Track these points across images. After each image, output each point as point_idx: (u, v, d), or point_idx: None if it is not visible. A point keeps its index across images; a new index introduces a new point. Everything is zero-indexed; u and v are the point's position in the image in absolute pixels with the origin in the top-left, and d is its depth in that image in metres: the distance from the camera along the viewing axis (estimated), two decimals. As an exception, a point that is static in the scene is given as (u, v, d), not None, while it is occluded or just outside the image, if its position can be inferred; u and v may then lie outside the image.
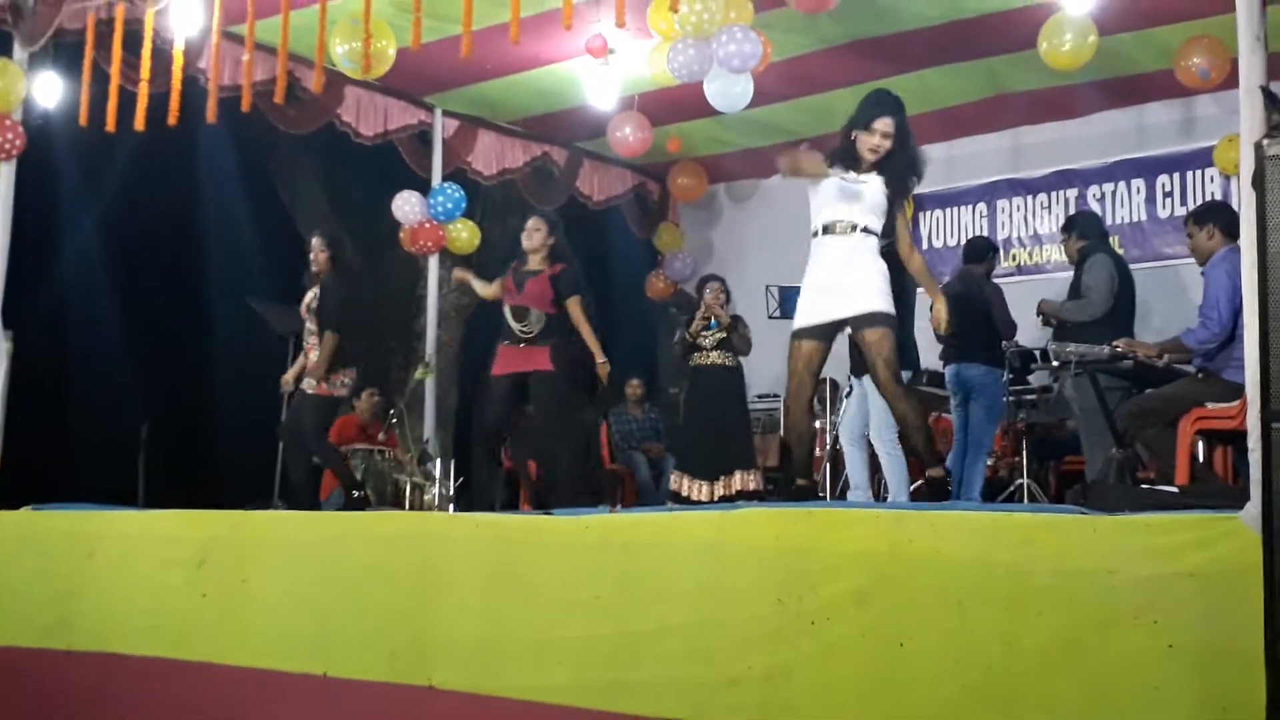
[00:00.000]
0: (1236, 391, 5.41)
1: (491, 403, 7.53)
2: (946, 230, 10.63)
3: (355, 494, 7.78)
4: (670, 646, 4.60)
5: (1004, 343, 8.04)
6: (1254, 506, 3.67)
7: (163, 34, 7.48)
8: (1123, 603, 3.77)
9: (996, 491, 8.10)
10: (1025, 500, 7.65)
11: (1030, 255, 10.20)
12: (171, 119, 7.20)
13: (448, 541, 5.48)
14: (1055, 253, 9.71)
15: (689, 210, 11.99)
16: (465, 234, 9.81)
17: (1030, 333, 8.19)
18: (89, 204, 11.34)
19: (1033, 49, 7.77)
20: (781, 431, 9.16)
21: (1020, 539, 4.01)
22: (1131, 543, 3.83)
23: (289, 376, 7.94)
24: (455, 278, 8.34)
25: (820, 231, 5.85)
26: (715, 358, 8.49)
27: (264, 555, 6.08)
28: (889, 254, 5.96)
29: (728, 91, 7.68)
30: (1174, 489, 5.30)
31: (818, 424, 8.74)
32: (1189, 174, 9.40)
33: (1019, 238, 10.27)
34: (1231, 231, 6.18)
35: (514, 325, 7.39)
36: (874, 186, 5.81)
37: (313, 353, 7.71)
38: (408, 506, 8.84)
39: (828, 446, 8.42)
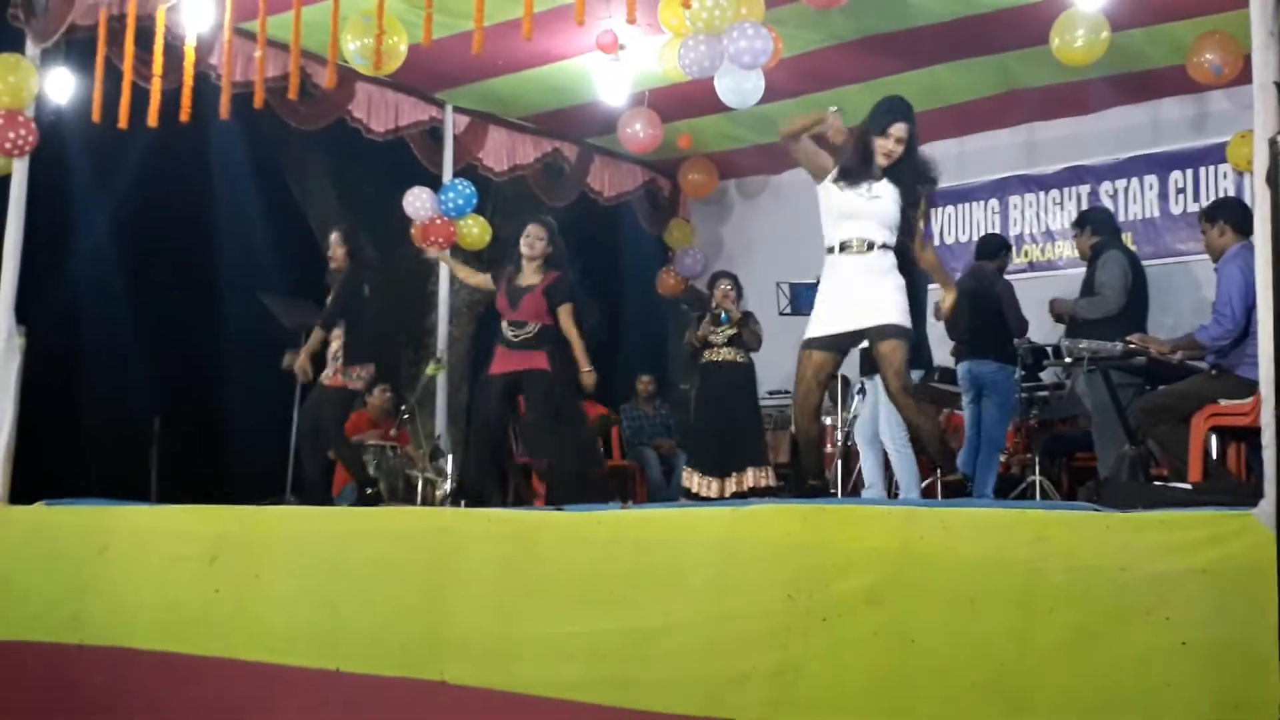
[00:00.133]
0: (1250, 388, 5.38)
1: (487, 401, 7.55)
2: (958, 226, 10.61)
3: (368, 491, 7.79)
4: (681, 642, 4.60)
5: (1016, 339, 8.02)
6: (1268, 504, 3.67)
7: (174, 30, 7.49)
8: (1135, 600, 3.76)
9: (1008, 488, 8.08)
10: (1037, 497, 7.63)
11: (1042, 251, 10.18)
12: (184, 115, 7.21)
13: (460, 537, 5.49)
14: (1067, 249, 9.69)
15: (700, 206, 11.99)
16: (476, 230, 9.81)
17: (1042, 329, 8.18)
18: (101, 200, 11.37)
19: (1045, 45, 7.74)
20: (792, 426, 9.16)
21: (1032, 536, 4.01)
22: (1144, 540, 3.83)
23: (302, 362, 7.86)
24: (429, 255, 8.36)
25: (836, 249, 5.81)
26: (726, 354, 8.48)
27: (276, 551, 6.09)
28: (898, 250, 5.94)
29: (739, 87, 7.66)
30: (1187, 486, 5.28)
31: (828, 420, 8.74)
32: (1202, 170, 9.37)
33: (1031, 234, 10.25)
34: (1243, 227, 6.16)
35: (509, 333, 7.41)
36: (887, 198, 5.78)
37: (334, 342, 7.70)
38: (420, 502, 8.85)
39: (839, 444, 8.40)
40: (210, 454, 10.93)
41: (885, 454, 7.67)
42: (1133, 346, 6.32)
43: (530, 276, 7.48)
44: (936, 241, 10.58)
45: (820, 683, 4.24)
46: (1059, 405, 8.58)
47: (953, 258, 10.33)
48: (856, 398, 8.00)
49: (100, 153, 10.02)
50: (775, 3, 7.44)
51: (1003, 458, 8.31)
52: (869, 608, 4.21)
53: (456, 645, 5.26)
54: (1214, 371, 5.98)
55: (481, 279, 8.16)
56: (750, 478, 8.28)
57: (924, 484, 7.47)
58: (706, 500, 8.00)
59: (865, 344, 5.94)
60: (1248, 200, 7.18)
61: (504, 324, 7.49)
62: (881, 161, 5.79)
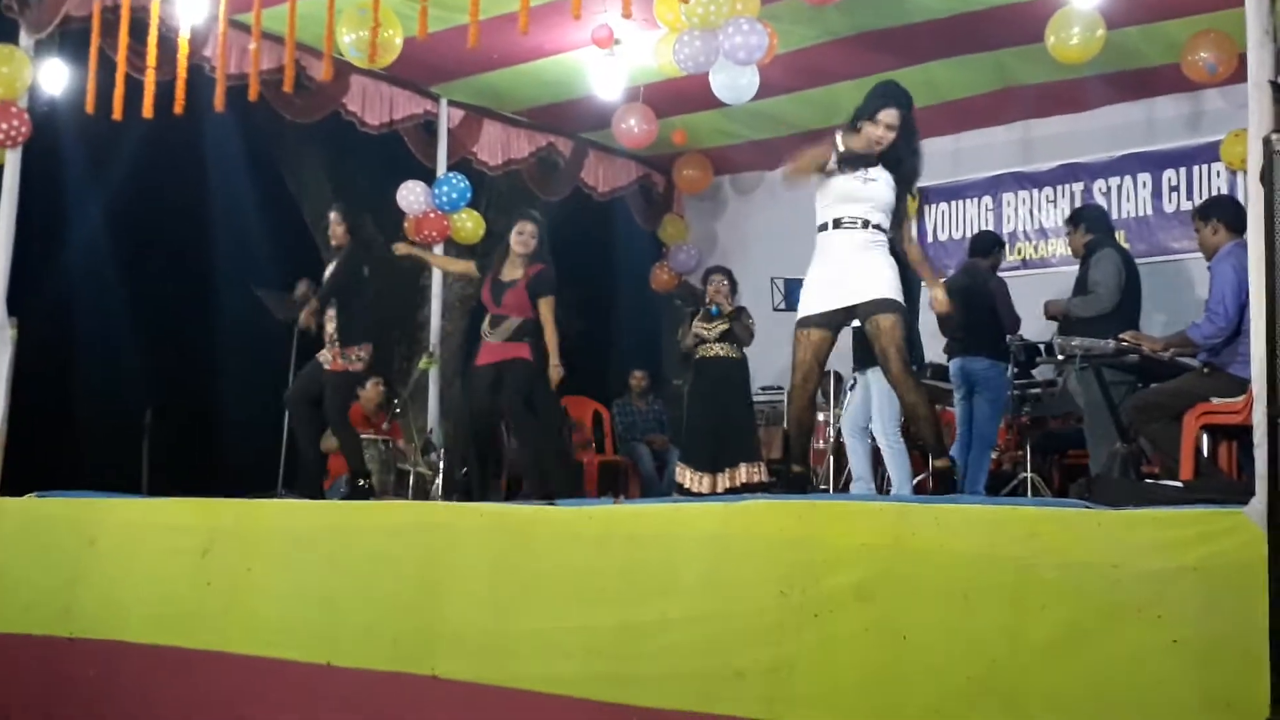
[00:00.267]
0: (1241, 386, 5.40)
1: (475, 393, 7.59)
2: (952, 223, 10.61)
3: (361, 482, 7.78)
4: (674, 638, 4.61)
5: (1008, 337, 8.03)
6: (1259, 502, 3.68)
7: (168, 22, 7.47)
8: (1127, 597, 3.78)
9: (1000, 485, 8.09)
10: (1029, 494, 7.64)
11: (1036, 249, 10.18)
12: (178, 107, 7.19)
13: (452, 531, 5.49)
14: (1060, 247, 9.69)
15: (694, 202, 11.97)
16: (470, 224, 9.80)
17: (1035, 326, 8.18)
18: (94, 192, 11.35)
19: (1040, 42, 7.74)
20: (785, 421, 9.17)
21: (1024, 533, 4.02)
22: (1136, 537, 3.84)
23: (306, 318, 7.81)
24: (399, 252, 8.36)
25: (829, 226, 5.81)
26: (719, 349, 8.48)
27: (268, 544, 6.09)
28: (893, 250, 5.95)
29: (734, 83, 7.66)
30: (1178, 484, 5.29)
31: (821, 417, 8.75)
32: (1195, 168, 9.37)
33: (1024, 231, 10.25)
34: (1236, 226, 6.17)
35: (491, 328, 7.49)
36: (882, 183, 5.79)
37: (330, 325, 7.69)
38: (412, 496, 8.84)
39: (830, 440, 8.40)
40: (203, 446, 10.91)
41: (875, 447, 7.69)
42: (1125, 344, 6.33)
43: (514, 271, 7.54)
44: (930, 238, 10.60)
45: (814, 679, 4.25)
46: (1051, 402, 8.59)
47: (946, 254, 10.34)
48: (849, 393, 8.00)
49: (94, 144, 9.99)
50: (770, -2, 7.44)
51: (994, 455, 8.31)
52: (861, 604, 4.22)
53: (449, 640, 5.26)
54: (1206, 369, 5.99)
55: (462, 265, 8.17)
56: (743, 473, 8.27)
57: (916, 479, 7.47)
58: (699, 496, 8.00)
59: (857, 323, 5.91)
60: (1241, 199, 7.19)
61: (487, 318, 7.56)
62: (873, 149, 5.77)
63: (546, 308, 7.49)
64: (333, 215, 7.95)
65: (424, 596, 5.43)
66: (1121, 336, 6.46)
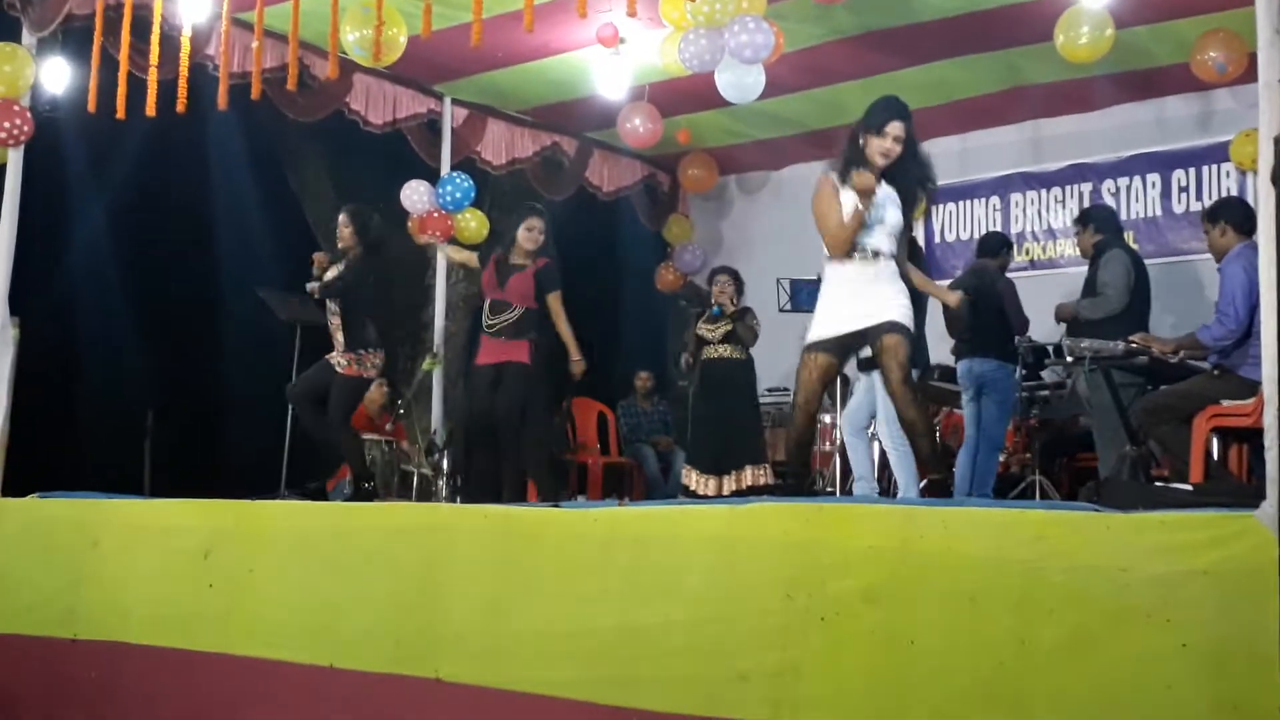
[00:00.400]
0: (1252, 389, 5.36)
1: (477, 392, 7.57)
2: (960, 224, 10.56)
3: (365, 485, 7.74)
4: (678, 641, 4.58)
5: (1016, 338, 7.99)
6: (1270, 505, 3.65)
7: (171, 20, 7.44)
8: (1136, 601, 3.74)
9: (1008, 488, 8.05)
10: (1037, 497, 7.60)
11: (1044, 250, 10.13)
12: (180, 106, 7.16)
13: (455, 533, 5.46)
14: (1069, 247, 9.64)
15: (699, 202, 11.94)
16: (474, 223, 9.76)
17: (1043, 328, 8.14)
18: (97, 191, 11.33)
19: (1048, 41, 7.71)
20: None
21: (1033, 536, 3.99)
22: (1145, 541, 3.80)
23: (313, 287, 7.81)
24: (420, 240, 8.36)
25: (842, 255, 5.77)
26: (723, 350, 8.45)
27: (270, 546, 6.07)
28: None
29: (739, 82, 7.62)
30: (1188, 487, 5.25)
31: (827, 419, 8.72)
32: (1205, 169, 9.33)
33: (1033, 232, 10.21)
34: (1244, 227, 6.14)
35: (490, 318, 7.44)
36: (891, 206, 5.77)
37: (338, 334, 7.64)
38: (415, 497, 8.81)
39: (838, 442, 8.36)
40: (205, 447, 10.89)
41: (875, 447, 7.67)
42: (1134, 346, 6.29)
43: (521, 258, 7.51)
44: (937, 238, 10.57)
45: (819, 682, 4.22)
46: (1060, 405, 8.55)
47: (954, 255, 10.31)
48: (853, 391, 7.98)
49: (96, 143, 9.97)
50: (776, -3, 7.40)
51: (1002, 457, 8.28)
52: (868, 607, 4.19)
53: (451, 642, 5.23)
54: (1216, 372, 5.95)
55: (468, 255, 8.16)
56: (749, 476, 8.25)
57: (923, 482, 7.44)
58: (704, 498, 7.97)
59: (867, 350, 5.91)
60: (1250, 199, 7.15)
61: (486, 306, 7.51)
62: (879, 161, 5.74)
63: (556, 302, 7.48)
64: (341, 217, 7.89)
65: (427, 598, 5.40)
66: (1131, 339, 6.43)
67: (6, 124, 7.48)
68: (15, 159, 7.67)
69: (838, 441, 8.39)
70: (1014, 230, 10.15)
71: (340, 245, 7.81)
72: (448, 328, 10.56)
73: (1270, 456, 3.75)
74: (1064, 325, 7.57)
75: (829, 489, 8.40)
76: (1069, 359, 6.62)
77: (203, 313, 11.55)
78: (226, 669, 5.93)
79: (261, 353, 8.66)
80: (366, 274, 7.68)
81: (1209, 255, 6.64)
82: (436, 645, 5.26)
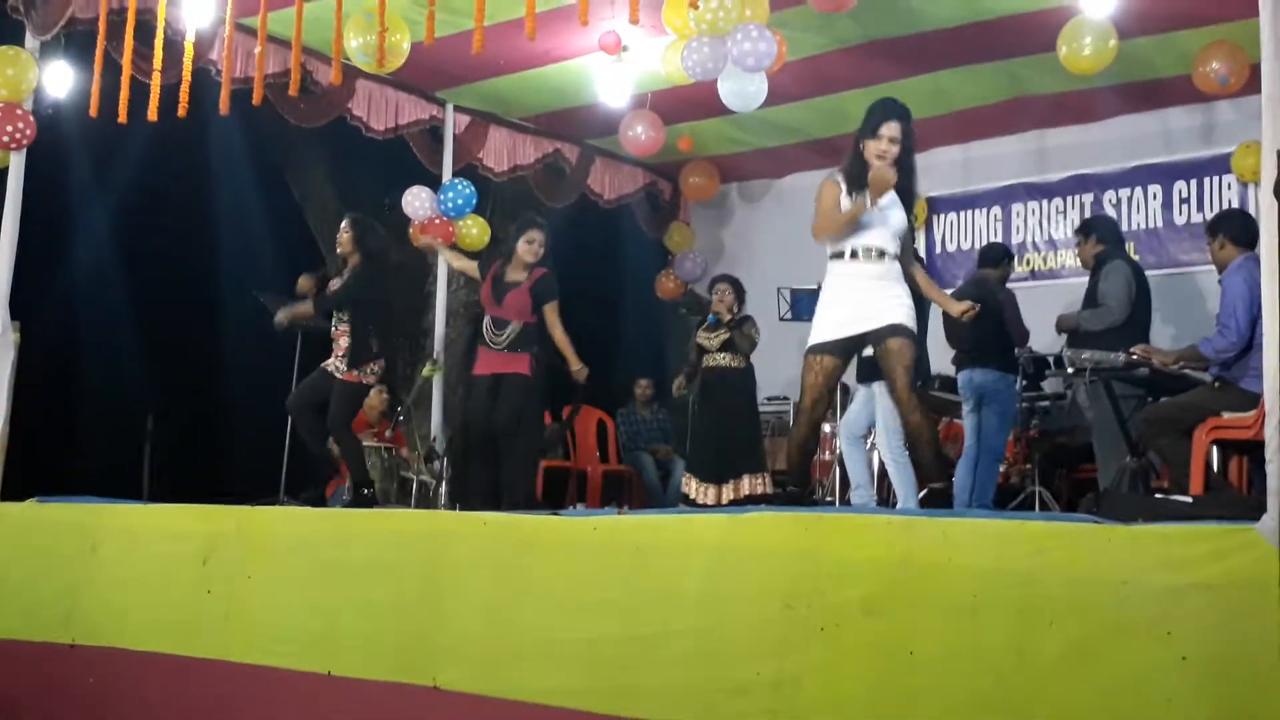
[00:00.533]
0: (1253, 401, 5.35)
1: (474, 400, 7.57)
2: (961, 234, 10.57)
3: (364, 491, 7.73)
4: (677, 650, 4.57)
5: (1017, 349, 7.98)
6: (1270, 519, 3.63)
7: (174, 24, 7.44)
8: (1136, 613, 3.73)
9: (1008, 498, 8.04)
10: (1037, 508, 7.59)
11: (1045, 260, 10.13)
12: (181, 110, 7.16)
13: (454, 540, 5.46)
14: (1070, 258, 9.65)
15: (700, 209, 11.94)
16: (475, 230, 9.76)
17: (1044, 338, 8.14)
18: (98, 195, 11.33)
19: (1050, 52, 7.71)
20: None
21: (1033, 548, 3.97)
22: (1146, 553, 3.79)
23: (281, 319, 7.82)
24: (424, 244, 8.36)
25: (845, 255, 5.76)
26: (721, 359, 8.44)
27: (269, 552, 6.06)
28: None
29: (742, 91, 7.62)
30: (1188, 499, 5.24)
31: (827, 428, 8.70)
32: (1206, 180, 9.32)
33: (1034, 242, 10.20)
34: (1241, 240, 6.14)
35: (491, 334, 7.46)
36: (895, 206, 5.76)
37: (342, 339, 7.63)
38: (414, 504, 8.79)
39: (838, 452, 8.35)
40: (205, 452, 10.88)
41: (873, 456, 7.66)
42: (1135, 358, 6.29)
43: (517, 273, 7.52)
44: (938, 249, 10.56)
45: (819, 693, 4.21)
46: (1060, 416, 8.54)
47: (955, 265, 10.30)
48: (852, 400, 7.97)
49: (98, 147, 9.97)
50: (780, 5, 7.40)
51: (1002, 468, 8.26)
52: (867, 618, 4.18)
53: (450, 650, 5.22)
54: (1217, 384, 5.94)
55: (468, 264, 8.17)
56: (747, 485, 8.23)
57: (922, 493, 7.43)
58: (704, 507, 7.96)
59: (869, 350, 5.88)
60: (1252, 211, 7.15)
61: (486, 321, 7.53)
62: (876, 164, 5.73)
63: (552, 312, 7.49)
64: (343, 223, 7.89)
65: (426, 606, 5.39)
66: (1132, 350, 6.42)
67: (9, 128, 7.48)
68: (17, 163, 7.67)
69: (837, 451, 8.37)
70: (1015, 241, 10.14)
71: (339, 250, 7.81)
72: (448, 334, 10.56)
73: (1271, 469, 3.74)
74: (1065, 336, 7.56)
75: (828, 498, 8.38)
76: (1070, 370, 6.61)
77: (203, 317, 11.55)
78: (225, 675, 5.92)
79: (262, 358, 8.64)
80: (368, 282, 7.67)
81: (1210, 266, 6.64)
82: (435, 653, 5.25)
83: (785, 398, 10.18)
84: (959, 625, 3.99)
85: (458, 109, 10.04)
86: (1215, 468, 5.79)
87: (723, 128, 10.18)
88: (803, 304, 8.62)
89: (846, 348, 5.84)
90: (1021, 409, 8.09)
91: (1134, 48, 7.98)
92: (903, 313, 5.70)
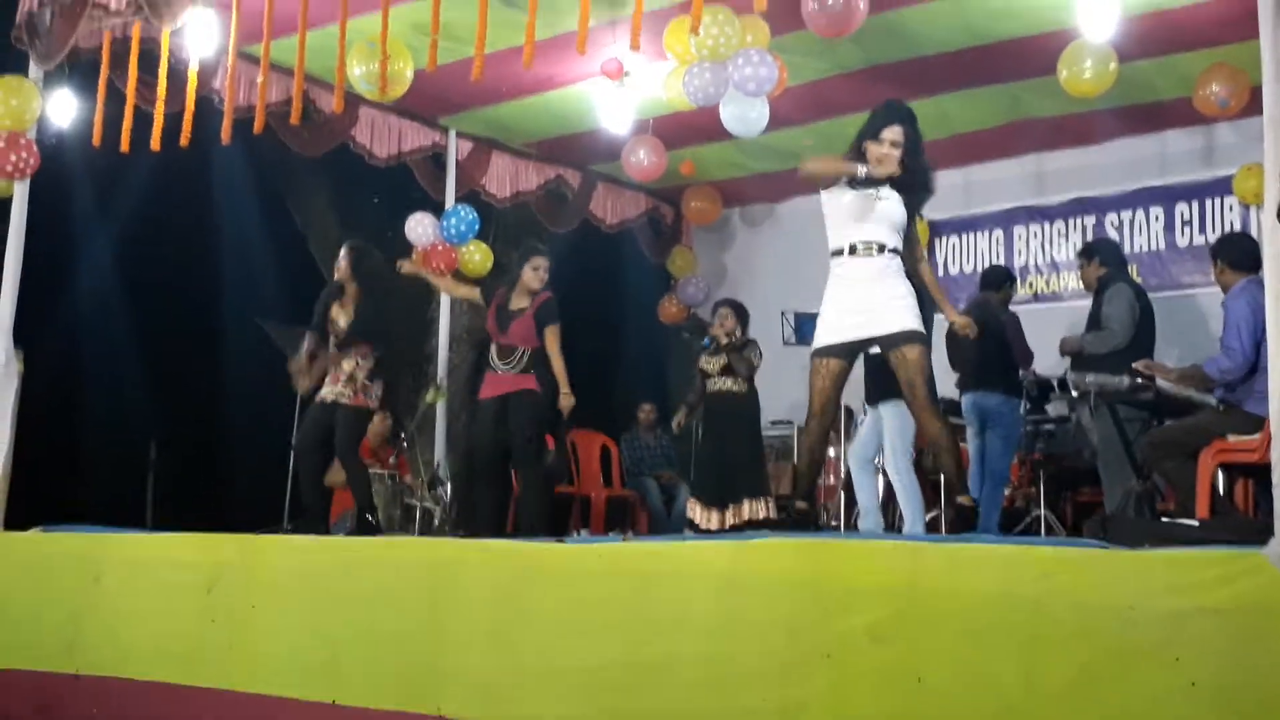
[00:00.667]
0: (1258, 424, 5.35)
1: (481, 427, 7.57)
2: (963, 257, 10.58)
3: (369, 518, 7.72)
4: (683, 677, 4.54)
5: (1020, 372, 7.97)
6: (1278, 543, 3.61)
7: (178, 54, 7.46)
8: (1143, 639, 3.71)
9: (1013, 522, 8.02)
10: (1043, 532, 7.57)
11: (1048, 283, 10.14)
12: (184, 140, 7.18)
13: (458, 567, 5.43)
14: (1072, 280, 9.65)
15: (702, 234, 11.96)
16: (478, 256, 9.77)
17: (1047, 361, 8.13)
18: (102, 224, 11.34)
19: (1050, 75, 7.72)
20: (795, 456, 9.09)
21: (1040, 573, 3.96)
22: (1153, 578, 3.77)
23: (303, 379, 7.81)
24: (404, 270, 8.36)
25: (845, 251, 5.72)
26: (724, 384, 8.43)
27: (273, 580, 6.04)
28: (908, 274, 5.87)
29: (743, 116, 7.64)
30: (1194, 522, 5.23)
31: (832, 452, 8.69)
32: (1208, 202, 9.35)
33: (1036, 265, 10.22)
34: (1242, 264, 6.16)
35: (499, 362, 7.47)
36: (894, 201, 5.70)
37: (345, 363, 7.62)
38: (418, 531, 8.78)
39: (844, 476, 8.34)
40: (208, 481, 10.87)
41: (881, 480, 7.64)
42: (1140, 381, 6.28)
43: (521, 300, 7.53)
44: (941, 271, 10.56)
45: (825, 720, 4.18)
46: (1065, 439, 8.53)
47: (957, 288, 10.30)
48: (858, 427, 7.95)
49: (102, 176, 9.99)
50: (781, 30, 7.41)
51: (1007, 491, 8.25)
52: (873, 645, 4.15)
53: (455, 678, 5.20)
54: (1222, 407, 5.93)
55: (467, 290, 8.16)
56: (747, 509, 8.20)
57: (929, 516, 7.41)
58: (708, 532, 7.94)
59: (875, 350, 5.81)
60: (1254, 233, 7.16)
61: (493, 348, 7.54)
62: (876, 167, 5.69)
63: (552, 336, 7.48)
64: (342, 250, 7.91)
65: (430, 633, 5.36)
66: (1134, 365, 6.42)
67: (13, 156, 7.50)
68: (21, 192, 7.68)
69: (843, 475, 8.35)
70: (1017, 263, 10.16)
71: (337, 276, 7.83)
72: (451, 359, 10.56)
73: (1278, 494, 3.73)
74: (1068, 359, 7.56)
75: (833, 523, 8.36)
76: (1074, 394, 6.60)
77: (206, 346, 11.55)
78: (228, 705, 5.89)
79: (264, 386, 8.63)
80: (375, 311, 7.69)
81: (1213, 288, 6.64)
82: (440, 681, 5.23)
83: (789, 421, 10.16)
84: (966, 651, 3.97)
85: (460, 135, 10.06)
86: (1221, 490, 5.78)
87: (724, 152, 10.19)
88: (806, 328, 8.58)
89: (852, 350, 5.76)
90: (1026, 432, 8.08)
91: (1134, 70, 8.00)
92: (910, 316, 5.63)
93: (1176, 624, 3.66)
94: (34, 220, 7.71)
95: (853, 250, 5.70)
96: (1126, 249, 9.30)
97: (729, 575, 4.60)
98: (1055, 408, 8.59)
